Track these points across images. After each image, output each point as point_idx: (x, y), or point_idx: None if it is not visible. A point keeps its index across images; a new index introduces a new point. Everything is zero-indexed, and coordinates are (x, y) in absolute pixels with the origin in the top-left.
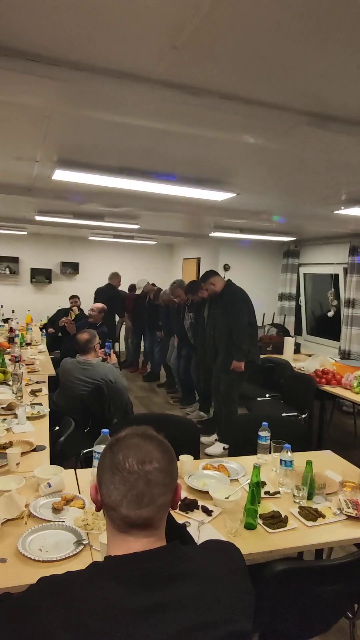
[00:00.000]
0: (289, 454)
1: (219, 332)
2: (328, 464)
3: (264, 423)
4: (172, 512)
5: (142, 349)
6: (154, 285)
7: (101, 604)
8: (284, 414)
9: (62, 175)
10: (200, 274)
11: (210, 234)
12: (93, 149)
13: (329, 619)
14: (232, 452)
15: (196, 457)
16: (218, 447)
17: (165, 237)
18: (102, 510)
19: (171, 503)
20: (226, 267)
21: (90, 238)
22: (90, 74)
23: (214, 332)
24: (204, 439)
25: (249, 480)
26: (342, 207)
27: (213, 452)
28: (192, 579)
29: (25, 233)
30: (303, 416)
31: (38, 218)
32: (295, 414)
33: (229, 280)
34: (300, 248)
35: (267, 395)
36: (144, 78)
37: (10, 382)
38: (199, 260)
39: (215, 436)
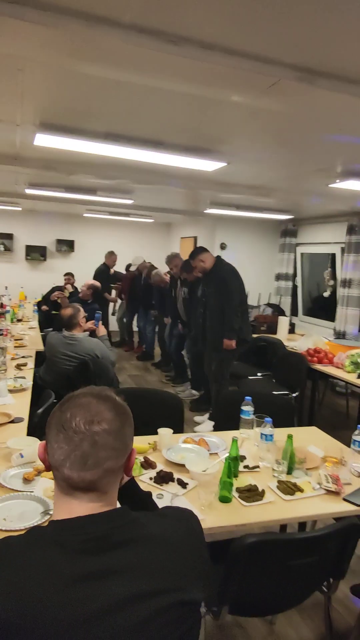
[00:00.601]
0: (270, 427)
1: (210, 310)
2: (312, 440)
3: (247, 398)
4: (140, 482)
5: (135, 328)
6: (149, 263)
7: (40, 569)
8: (274, 392)
9: (43, 140)
10: None
11: (206, 211)
12: (75, 111)
13: (301, 592)
14: (218, 427)
15: (180, 431)
16: (209, 425)
17: (162, 215)
18: None
19: (125, 470)
20: (223, 246)
21: (86, 215)
22: (59, 16)
23: (206, 310)
24: (197, 418)
25: (227, 454)
26: (337, 180)
27: (202, 429)
28: (140, 545)
29: (20, 209)
30: (294, 395)
31: (28, 191)
32: (286, 392)
33: (218, 256)
34: (298, 227)
35: (258, 374)
36: (115, 22)
37: None
38: (195, 239)
39: (207, 415)
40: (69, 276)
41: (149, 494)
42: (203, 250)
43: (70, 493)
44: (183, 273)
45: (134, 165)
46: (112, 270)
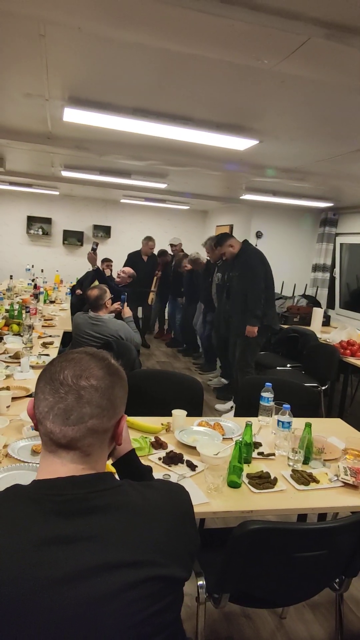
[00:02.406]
0: (288, 415)
1: (234, 295)
2: (335, 431)
3: (268, 384)
4: (148, 461)
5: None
6: (182, 251)
7: (13, 524)
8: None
9: (72, 115)
10: None
11: (241, 197)
12: (102, 84)
13: (309, 587)
14: (238, 413)
15: (198, 415)
16: (228, 405)
17: (197, 202)
18: None
19: (114, 436)
20: (258, 235)
21: (122, 200)
22: None
23: (231, 295)
24: (218, 406)
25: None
26: None
27: (222, 409)
28: (118, 513)
29: (57, 193)
30: (323, 388)
31: (64, 174)
32: (315, 385)
33: (245, 240)
34: (338, 216)
35: (288, 365)
36: None
37: (22, 334)
38: (231, 227)
39: (231, 403)
40: (109, 262)
41: (149, 468)
42: (229, 236)
43: (53, 450)
44: (217, 247)
45: (165, 145)
46: (144, 258)
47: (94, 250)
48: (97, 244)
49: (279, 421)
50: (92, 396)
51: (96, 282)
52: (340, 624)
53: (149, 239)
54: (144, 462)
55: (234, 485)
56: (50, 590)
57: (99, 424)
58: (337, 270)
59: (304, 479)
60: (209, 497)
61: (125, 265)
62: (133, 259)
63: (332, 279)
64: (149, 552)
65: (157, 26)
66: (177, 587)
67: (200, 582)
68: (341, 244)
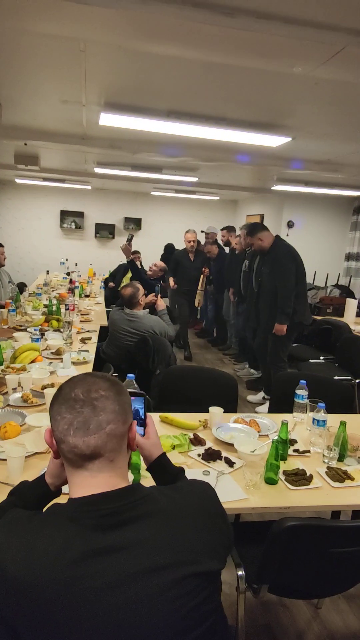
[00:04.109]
0: (323, 413)
1: (264, 291)
2: None
3: (302, 381)
4: (188, 458)
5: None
6: (215, 242)
7: (53, 542)
8: (335, 377)
9: (108, 119)
10: None
11: (273, 187)
12: (137, 90)
13: (345, 581)
14: (273, 409)
15: (233, 411)
16: (259, 396)
17: (227, 192)
18: None
19: (128, 441)
20: (290, 224)
21: (153, 193)
22: None
23: (260, 290)
24: (250, 397)
25: (276, 436)
26: None
27: (262, 410)
28: (151, 520)
29: (89, 187)
30: (357, 381)
31: (97, 170)
32: (349, 378)
33: (277, 236)
34: None
35: (321, 358)
36: None
37: (62, 330)
38: (262, 216)
39: (262, 394)
40: (137, 254)
41: (181, 469)
42: (263, 228)
43: (80, 465)
44: (248, 237)
45: (198, 143)
46: (191, 256)
47: (129, 241)
48: (132, 236)
49: (314, 419)
50: (104, 404)
51: (129, 275)
52: None
53: (187, 232)
54: (184, 458)
55: (271, 481)
56: (95, 600)
57: (116, 428)
58: None
59: (339, 476)
60: (248, 493)
61: (169, 268)
62: (177, 257)
63: None
64: (183, 552)
65: (194, 42)
66: (214, 579)
67: (240, 573)
68: None
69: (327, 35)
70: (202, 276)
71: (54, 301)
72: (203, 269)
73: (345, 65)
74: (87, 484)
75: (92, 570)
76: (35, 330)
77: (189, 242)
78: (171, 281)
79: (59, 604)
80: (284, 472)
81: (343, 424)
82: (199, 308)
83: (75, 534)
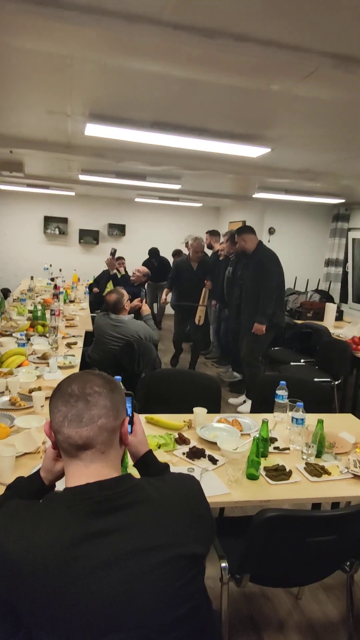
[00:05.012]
0: (301, 412)
1: (246, 294)
2: (346, 426)
3: (282, 382)
4: (173, 456)
5: None
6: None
7: (51, 528)
8: (315, 379)
9: (93, 130)
10: None
11: (254, 195)
12: (122, 102)
13: (322, 569)
14: (255, 409)
15: (216, 412)
16: (248, 406)
17: (210, 199)
18: None
19: (121, 436)
20: (271, 231)
21: (136, 200)
22: (100, 17)
23: (242, 292)
24: (231, 400)
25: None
26: None
27: (243, 410)
28: (141, 507)
29: (73, 194)
30: (336, 382)
31: (82, 177)
32: (328, 380)
33: (260, 241)
34: (350, 211)
35: (301, 361)
36: (154, 20)
37: (48, 335)
38: (244, 223)
39: (244, 397)
40: (121, 260)
41: (167, 465)
42: (250, 231)
43: (74, 455)
44: (228, 243)
45: (181, 152)
46: (194, 265)
47: (112, 255)
48: (115, 250)
49: (293, 418)
50: (97, 400)
51: (111, 282)
52: (351, 603)
53: (195, 240)
54: (169, 457)
55: (252, 477)
56: (93, 576)
57: (107, 422)
58: (349, 264)
59: (316, 471)
60: (230, 488)
61: (170, 276)
62: (178, 268)
63: (345, 274)
64: (170, 535)
65: (177, 61)
66: (199, 561)
67: (223, 564)
68: (353, 239)
69: (302, 57)
70: (204, 289)
71: (39, 307)
72: (205, 281)
73: (319, 84)
74: (81, 473)
75: (87, 551)
76: (21, 335)
77: (197, 253)
78: (164, 294)
79: (56, 584)
80: (265, 468)
81: (320, 422)
82: (199, 325)
83: (72, 520)
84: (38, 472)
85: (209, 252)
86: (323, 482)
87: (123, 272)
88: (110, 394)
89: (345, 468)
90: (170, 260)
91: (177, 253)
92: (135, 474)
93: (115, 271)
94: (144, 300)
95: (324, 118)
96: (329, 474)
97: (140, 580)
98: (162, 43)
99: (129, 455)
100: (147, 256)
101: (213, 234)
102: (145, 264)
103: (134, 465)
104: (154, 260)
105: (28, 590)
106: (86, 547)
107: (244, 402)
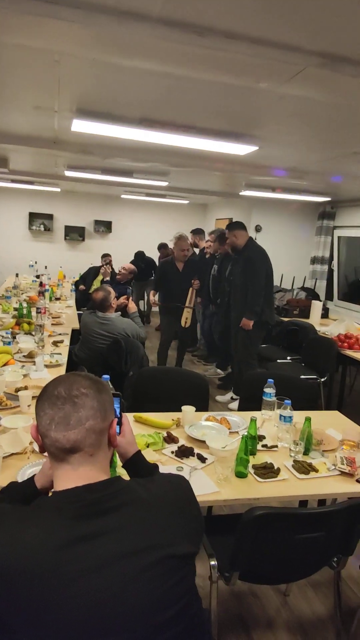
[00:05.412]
0: (289, 409)
1: (235, 290)
2: (333, 424)
3: (270, 380)
4: (162, 455)
5: None
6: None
7: (40, 530)
8: (302, 377)
9: (80, 126)
10: None
11: (241, 193)
12: (109, 98)
13: (310, 565)
14: (242, 407)
15: (204, 409)
16: (228, 396)
17: (197, 196)
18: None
19: (109, 437)
20: (258, 228)
21: (123, 196)
22: (89, 13)
23: (231, 289)
24: (219, 397)
25: (246, 432)
26: None
27: (233, 407)
28: (130, 508)
29: (59, 190)
30: (322, 379)
31: (68, 173)
32: (314, 377)
33: (250, 238)
34: (336, 210)
35: (288, 358)
36: (144, 16)
37: (34, 333)
38: (231, 220)
39: (231, 394)
40: (107, 257)
41: (155, 465)
42: (241, 227)
43: (62, 459)
44: (215, 243)
45: (168, 149)
46: (179, 266)
47: (108, 264)
48: (110, 260)
49: (280, 415)
50: (84, 401)
51: (99, 277)
52: (338, 600)
53: (178, 238)
54: (158, 456)
55: (241, 475)
56: (82, 579)
57: (95, 424)
58: (335, 262)
59: (304, 468)
60: (219, 486)
61: (155, 279)
62: (164, 268)
63: (331, 271)
64: (160, 536)
65: (166, 58)
66: (189, 560)
67: (212, 563)
68: (339, 237)
69: (290, 56)
70: (190, 290)
71: (24, 304)
72: (192, 281)
73: (306, 83)
74: (69, 476)
75: (76, 555)
76: (6, 333)
77: (183, 251)
78: (151, 295)
79: (45, 587)
80: (253, 466)
81: (308, 419)
82: (186, 328)
83: (60, 523)
84: (32, 477)
85: (195, 251)
86: (311, 479)
87: (110, 270)
88: (97, 395)
89: (333, 465)
90: (156, 256)
91: (162, 246)
92: (124, 474)
93: (108, 278)
94: (131, 298)
95: (311, 117)
96: (316, 471)
97: (131, 582)
98: (151, 40)
99: (117, 455)
100: (134, 254)
101: (197, 232)
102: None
103: (123, 466)
104: (141, 263)
105: (14, 594)
106: (75, 550)
107: (232, 399)
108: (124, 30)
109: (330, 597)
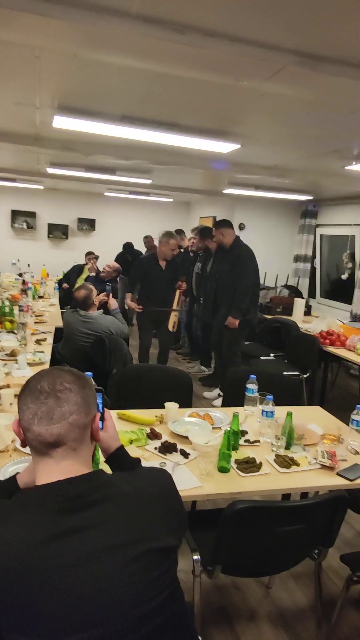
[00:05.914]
0: (271, 405)
1: (222, 288)
2: (314, 418)
3: (252, 376)
4: (145, 451)
5: None
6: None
7: (24, 525)
8: (284, 373)
9: (61, 122)
10: None
11: (224, 191)
12: (91, 94)
13: (291, 557)
14: (225, 403)
15: (188, 406)
16: (215, 393)
17: (181, 194)
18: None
19: (92, 432)
20: (241, 227)
21: (106, 194)
22: (68, 8)
23: (217, 287)
24: (206, 394)
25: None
26: (354, 163)
27: (218, 404)
28: (112, 502)
29: (42, 187)
30: (305, 376)
31: (50, 170)
32: (297, 373)
33: (237, 236)
34: (318, 208)
35: (271, 355)
36: (123, 12)
37: (16, 331)
38: (214, 218)
39: (218, 390)
40: (91, 255)
41: (138, 460)
42: (228, 225)
43: (44, 453)
44: (197, 238)
45: (151, 146)
46: (162, 264)
47: (95, 258)
48: (96, 257)
49: (263, 411)
50: (68, 396)
51: (83, 275)
52: (319, 590)
53: (170, 236)
54: (141, 452)
55: (223, 470)
56: (66, 574)
57: (78, 419)
58: (317, 260)
59: (286, 462)
60: (202, 481)
61: (131, 275)
62: (144, 266)
63: (313, 269)
64: (143, 530)
65: (146, 55)
66: (171, 554)
67: (195, 557)
68: (321, 235)
69: (269, 54)
70: (177, 291)
71: (7, 302)
72: (180, 282)
73: (286, 82)
74: (51, 470)
75: (60, 550)
76: None
77: (173, 250)
78: (128, 299)
79: (28, 583)
80: (236, 461)
81: (289, 414)
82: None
83: (43, 518)
84: (15, 476)
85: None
86: (292, 473)
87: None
88: (81, 390)
89: (314, 459)
90: (143, 250)
91: (147, 238)
92: (107, 469)
93: (94, 273)
94: (110, 295)
95: (292, 115)
96: (297, 465)
97: (115, 576)
98: (130, 36)
99: (100, 451)
100: (118, 251)
101: (179, 233)
102: (118, 258)
103: (106, 461)
104: (127, 255)
105: None
106: (58, 544)
107: (219, 395)
108: (103, 26)
109: (311, 588)
